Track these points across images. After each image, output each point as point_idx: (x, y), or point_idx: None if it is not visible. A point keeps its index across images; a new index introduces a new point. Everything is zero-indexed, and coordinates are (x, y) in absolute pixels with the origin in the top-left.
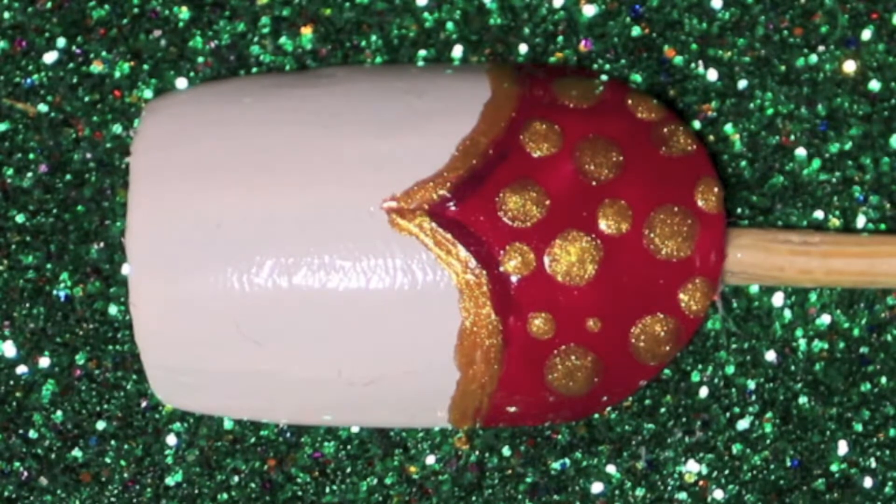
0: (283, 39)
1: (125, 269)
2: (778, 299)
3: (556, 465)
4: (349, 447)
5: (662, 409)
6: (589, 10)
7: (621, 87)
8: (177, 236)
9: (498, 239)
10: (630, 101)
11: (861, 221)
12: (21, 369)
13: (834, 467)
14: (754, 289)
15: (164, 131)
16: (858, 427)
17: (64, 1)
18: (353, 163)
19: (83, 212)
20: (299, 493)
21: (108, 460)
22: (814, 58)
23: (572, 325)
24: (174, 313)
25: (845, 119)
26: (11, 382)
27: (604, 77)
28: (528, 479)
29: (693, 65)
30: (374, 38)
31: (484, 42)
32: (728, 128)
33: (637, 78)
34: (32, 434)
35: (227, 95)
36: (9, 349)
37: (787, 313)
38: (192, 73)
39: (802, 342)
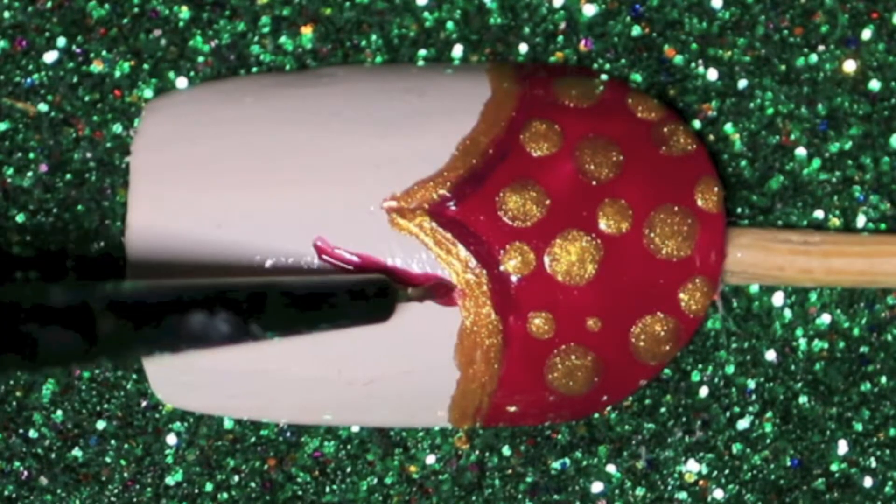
0: (283, 39)
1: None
2: (778, 299)
3: (556, 465)
4: (349, 447)
5: (662, 409)
6: (589, 10)
7: (621, 86)
8: (177, 236)
9: (498, 238)
10: (630, 101)
11: (861, 221)
12: None
13: (834, 467)
14: (754, 288)
15: (164, 131)
16: (858, 427)
17: (64, 1)
18: (353, 162)
19: (83, 212)
20: (299, 493)
21: (108, 460)
22: (814, 57)
23: (572, 324)
24: None
25: (845, 119)
26: (11, 382)
27: (604, 77)
28: (528, 479)
29: (693, 64)
30: (374, 37)
31: (484, 42)
32: (728, 128)
33: (637, 77)
34: (32, 434)
35: (227, 95)
36: None
37: (787, 313)
38: (192, 73)
39: (802, 342)
